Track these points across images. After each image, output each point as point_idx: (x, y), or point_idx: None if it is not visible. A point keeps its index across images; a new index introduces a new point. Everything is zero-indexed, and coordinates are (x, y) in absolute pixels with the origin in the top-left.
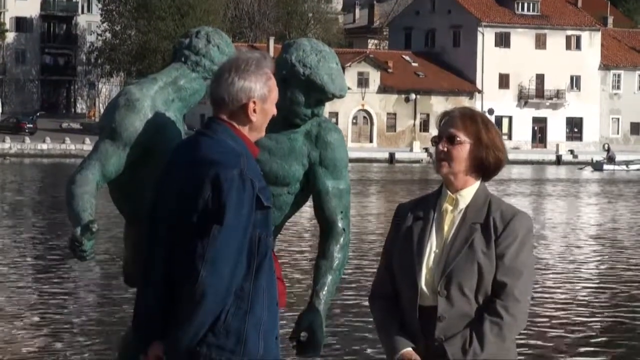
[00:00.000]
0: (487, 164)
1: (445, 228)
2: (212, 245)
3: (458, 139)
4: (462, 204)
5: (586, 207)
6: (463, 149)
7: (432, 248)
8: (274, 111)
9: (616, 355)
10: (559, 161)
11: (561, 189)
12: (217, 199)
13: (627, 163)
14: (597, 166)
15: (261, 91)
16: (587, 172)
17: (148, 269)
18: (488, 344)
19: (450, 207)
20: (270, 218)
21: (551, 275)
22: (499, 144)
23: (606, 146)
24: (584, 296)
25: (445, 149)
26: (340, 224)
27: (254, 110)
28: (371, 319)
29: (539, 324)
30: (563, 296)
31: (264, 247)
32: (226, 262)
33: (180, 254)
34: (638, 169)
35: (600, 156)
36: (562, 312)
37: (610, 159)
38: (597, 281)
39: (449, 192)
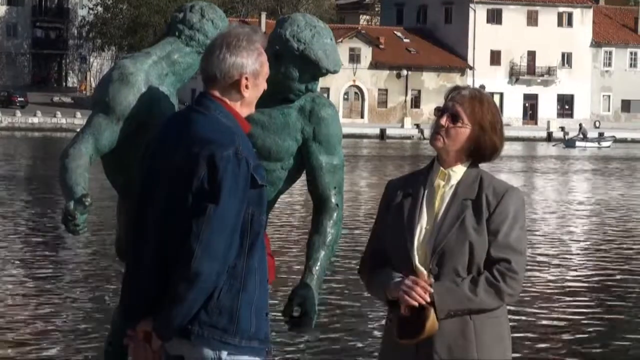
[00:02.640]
0: (483, 151)
1: (436, 204)
2: (207, 225)
3: (461, 120)
4: (454, 180)
5: (577, 183)
6: (463, 132)
7: (423, 224)
8: (265, 86)
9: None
10: (549, 138)
11: (543, 165)
12: (212, 178)
13: (598, 140)
14: (569, 143)
15: (253, 67)
16: (562, 149)
17: (138, 246)
18: (479, 296)
19: (442, 183)
20: (264, 196)
21: (542, 250)
22: (500, 134)
23: (597, 124)
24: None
25: (446, 125)
26: (333, 200)
27: (246, 86)
28: (361, 292)
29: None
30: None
31: (257, 226)
32: (220, 241)
33: (173, 232)
34: (609, 146)
35: (589, 132)
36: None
37: (584, 136)
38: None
39: (441, 168)
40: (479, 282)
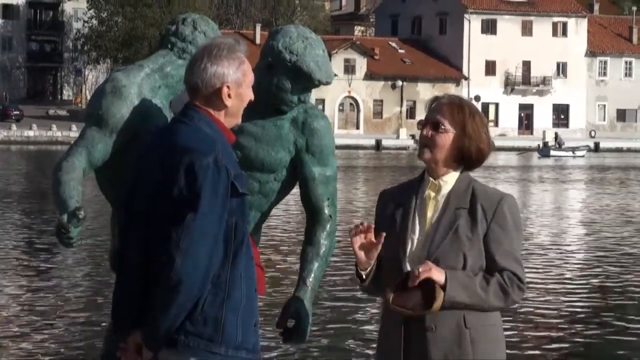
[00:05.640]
0: (469, 155)
1: (428, 214)
2: (187, 233)
3: (442, 127)
4: (445, 190)
5: (571, 192)
6: (446, 138)
7: (416, 235)
8: (251, 96)
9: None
10: (545, 147)
11: (533, 175)
12: (191, 186)
13: (573, 149)
14: (544, 152)
15: (234, 75)
16: (537, 158)
17: (124, 256)
18: (488, 295)
19: (432, 194)
20: (247, 205)
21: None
22: (484, 136)
23: (593, 133)
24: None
25: (429, 135)
26: (326, 211)
27: (229, 95)
28: (359, 304)
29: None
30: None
31: (240, 234)
32: (201, 250)
33: (155, 242)
34: (583, 155)
35: (580, 142)
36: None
37: (559, 145)
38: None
39: (431, 179)
40: (490, 283)
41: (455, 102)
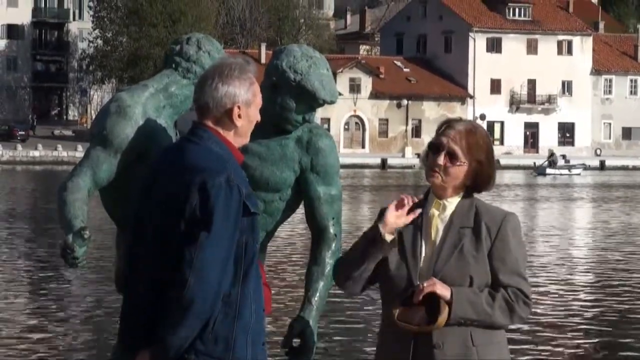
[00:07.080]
0: (478, 185)
1: (433, 233)
2: (200, 252)
3: (461, 160)
4: (449, 209)
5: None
6: (462, 170)
7: (422, 253)
8: (258, 117)
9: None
10: (550, 166)
11: (536, 193)
12: (204, 205)
13: (569, 167)
14: (539, 170)
15: (245, 96)
16: (533, 177)
17: (133, 278)
18: (494, 311)
19: (437, 212)
20: (257, 224)
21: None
22: (493, 164)
23: (598, 151)
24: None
25: (445, 165)
26: (331, 230)
27: (239, 116)
28: (363, 324)
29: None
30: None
31: (250, 253)
32: (214, 268)
33: (166, 261)
34: (579, 174)
35: (583, 160)
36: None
37: (552, 163)
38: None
39: (436, 199)
40: (496, 298)
41: (472, 131)
